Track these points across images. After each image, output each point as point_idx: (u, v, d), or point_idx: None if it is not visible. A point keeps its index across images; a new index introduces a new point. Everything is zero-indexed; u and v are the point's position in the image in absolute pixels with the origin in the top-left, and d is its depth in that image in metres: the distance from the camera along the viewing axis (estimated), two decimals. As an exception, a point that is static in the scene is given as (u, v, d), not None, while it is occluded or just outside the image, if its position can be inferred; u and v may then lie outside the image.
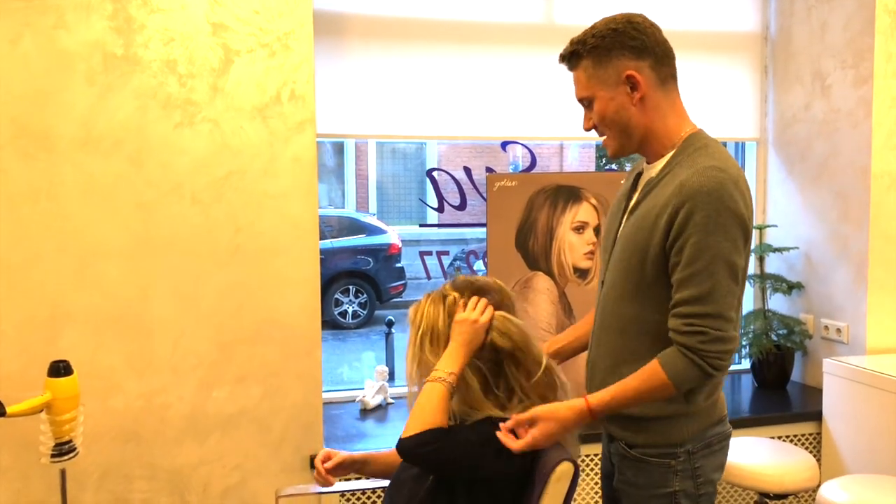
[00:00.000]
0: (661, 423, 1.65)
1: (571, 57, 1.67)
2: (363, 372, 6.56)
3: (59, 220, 2.52)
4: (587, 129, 1.72)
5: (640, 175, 1.74)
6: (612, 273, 1.69)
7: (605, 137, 1.70)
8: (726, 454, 1.76)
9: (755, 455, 2.64)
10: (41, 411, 2.17)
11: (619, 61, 1.62)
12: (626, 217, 1.70)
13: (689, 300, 1.52)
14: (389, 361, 6.15)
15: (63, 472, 2.27)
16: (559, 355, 1.90)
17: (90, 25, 2.50)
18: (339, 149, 14.29)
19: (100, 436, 2.58)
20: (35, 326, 2.52)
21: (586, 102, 1.68)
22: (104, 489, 2.61)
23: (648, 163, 1.71)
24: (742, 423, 3.04)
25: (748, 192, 1.59)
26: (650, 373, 1.57)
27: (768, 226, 3.58)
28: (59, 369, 2.18)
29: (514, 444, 1.58)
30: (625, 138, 1.68)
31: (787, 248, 3.45)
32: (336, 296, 8.63)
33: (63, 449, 2.20)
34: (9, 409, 2.11)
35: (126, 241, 2.57)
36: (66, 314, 2.54)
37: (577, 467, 1.66)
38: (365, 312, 8.46)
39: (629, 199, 1.73)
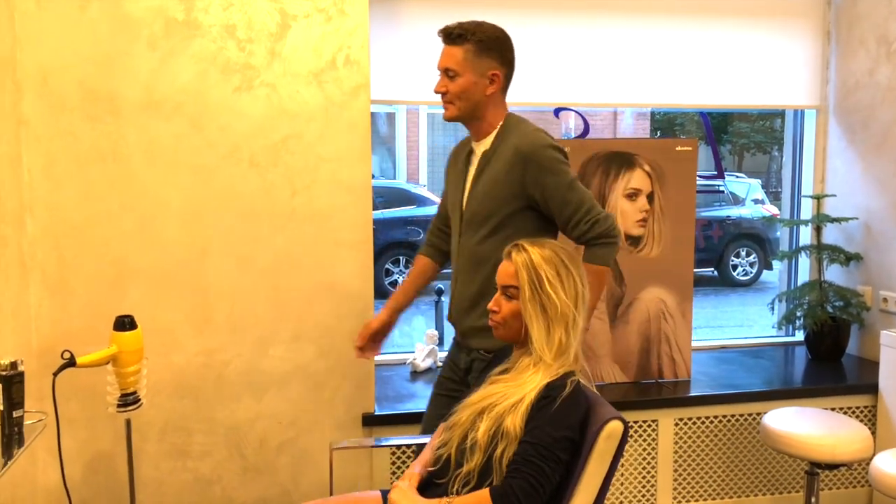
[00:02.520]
0: None
1: (456, 37, 2.10)
2: (414, 337, 6.63)
3: (123, 180, 2.60)
4: (438, 92, 2.16)
5: (470, 152, 2.22)
6: (470, 225, 2.16)
7: (451, 104, 2.15)
8: None
9: (807, 425, 2.62)
10: (108, 363, 2.27)
11: (490, 60, 2.12)
12: (472, 182, 2.17)
13: (573, 213, 2.08)
14: (439, 327, 6.22)
15: (128, 422, 2.37)
16: (401, 310, 2.41)
17: (153, -9, 2.56)
18: (390, 120, 14.32)
19: (161, 390, 2.68)
20: (101, 283, 2.62)
21: (451, 73, 2.12)
22: (165, 441, 2.71)
23: (476, 140, 2.20)
24: (795, 394, 3.02)
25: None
26: (593, 272, 2.02)
27: (826, 195, 3.51)
28: (124, 324, 2.27)
29: None
30: (465, 112, 2.15)
31: (846, 219, 3.38)
32: (387, 266, 8.70)
33: (128, 400, 2.30)
34: (78, 360, 2.20)
35: (186, 202, 2.65)
36: (130, 272, 2.63)
37: (626, 426, 1.68)
38: (414, 282, 8.50)
39: (466, 170, 2.21)
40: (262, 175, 2.68)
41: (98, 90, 2.56)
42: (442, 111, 2.21)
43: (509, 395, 1.71)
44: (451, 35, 2.12)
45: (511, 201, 2.11)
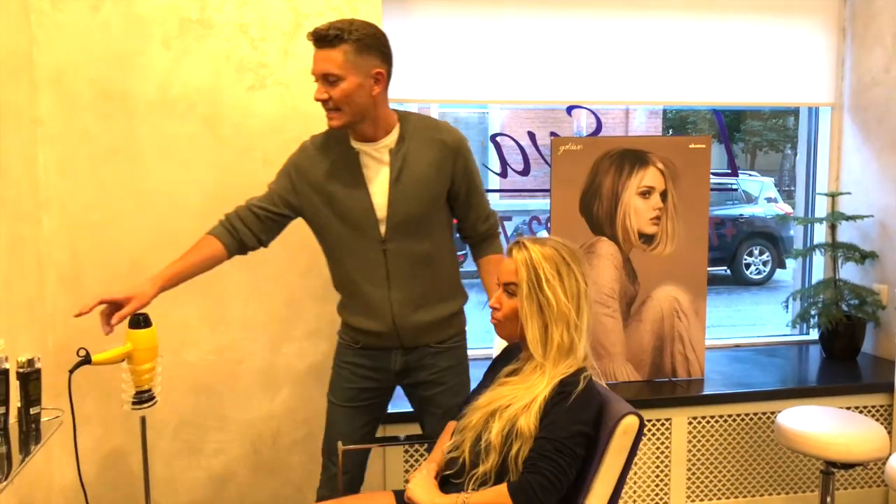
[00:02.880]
0: (458, 317, 2.26)
1: (332, 39, 1.91)
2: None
3: (137, 179, 2.62)
4: (319, 100, 1.98)
5: (356, 154, 2.07)
6: (401, 228, 2.07)
7: (337, 112, 1.98)
8: None
9: (822, 424, 2.60)
10: (123, 361, 2.28)
11: (372, 59, 1.97)
12: (392, 183, 2.05)
13: (483, 209, 2.22)
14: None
15: (143, 420, 2.38)
16: (171, 282, 2.13)
17: (166, -10, 2.57)
18: (401, 118, 14.28)
19: (176, 387, 2.70)
20: (116, 281, 2.63)
21: (332, 79, 1.94)
22: (180, 438, 2.72)
23: (366, 141, 2.06)
24: (809, 393, 3.00)
25: None
26: (497, 259, 2.17)
27: (841, 193, 3.48)
28: (139, 321, 2.27)
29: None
30: (355, 117, 2.00)
31: (861, 217, 3.36)
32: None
33: (143, 397, 2.30)
34: (94, 358, 2.21)
35: (200, 200, 2.66)
36: (145, 270, 2.63)
37: (642, 421, 1.68)
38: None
39: (362, 173, 2.07)
40: (276, 173, 2.68)
41: (112, 89, 2.58)
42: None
43: (520, 397, 1.70)
44: (326, 38, 1.92)
45: (441, 196, 2.13)
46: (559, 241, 1.81)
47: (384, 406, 2.36)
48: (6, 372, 1.95)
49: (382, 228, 2.08)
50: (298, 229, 2.70)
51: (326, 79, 1.95)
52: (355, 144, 2.09)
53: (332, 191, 2.10)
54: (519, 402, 1.69)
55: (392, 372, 2.24)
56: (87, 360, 2.21)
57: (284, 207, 2.19)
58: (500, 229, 2.30)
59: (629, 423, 1.65)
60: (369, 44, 1.96)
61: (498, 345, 3.09)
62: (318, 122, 2.66)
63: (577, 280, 1.75)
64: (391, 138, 2.07)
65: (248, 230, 2.18)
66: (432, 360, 2.23)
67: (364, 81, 1.96)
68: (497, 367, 1.99)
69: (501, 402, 1.72)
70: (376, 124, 2.05)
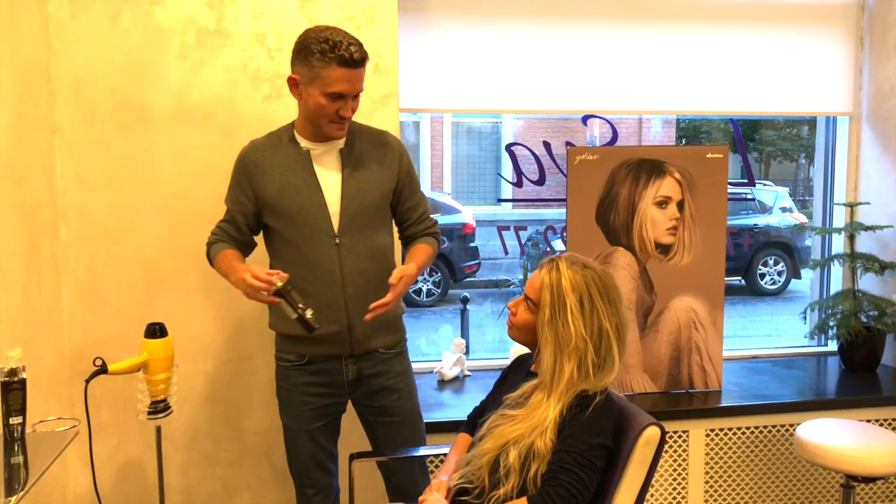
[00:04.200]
0: (401, 320, 2.32)
1: (365, 57, 2.03)
2: (440, 345, 6.62)
3: (154, 188, 2.62)
4: (347, 117, 2.07)
5: (304, 154, 2.12)
6: (354, 222, 2.11)
7: (347, 121, 2.10)
8: None
9: (843, 437, 2.57)
10: (139, 370, 2.28)
11: None
12: (344, 180, 2.12)
13: (423, 210, 2.28)
14: (465, 335, 6.21)
15: (158, 430, 2.38)
16: None
17: (184, 1, 2.59)
18: (415, 128, 14.37)
19: (191, 397, 2.69)
20: (133, 291, 2.64)
21: (356, 95, 2.07)
22: (195, 448, 2.72)
23: (321, 141, 2.12)
24: (828, 405, 2.96)
25: None
26: (431, 251, 2.26)
27: (860, 203, 3.45)
28: (155, 331, 2.29)
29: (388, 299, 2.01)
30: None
31: (881, 227, 3.32)
32: (413, 273, 8.68)
33: (158, 407, 2.31)
34: (110, 367, 2.22)
35: (217, 209, 2.64)
36: (161, 279, 2.65)
37: (664, 431, 1.66)
38: (439, 291, 8.51)
39: (313, 171, 2.12)
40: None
41: (130, 99, 2.59)
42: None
43: (531, 425, 1.67)
44: (363, 59, 2.02)
45: (389, 193, 2.20)
46: (597, 270, 1.74)
47: (339, 420, 2.33)
48: (23, 382, 1.95)
49: (335, 223, 2.11)
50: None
51: (356, 95, 2.07)
52: (306, 144, 2.14)
53: (282, 188, 2.11)
54: (522, 432, 1.66)
55: (345, 384, 2.21)
56: (103, 369, 2.22)
57: (238, 216, 2.21)
58: (436, 227, 2.33)
59: (651, 433, 1.63)
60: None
61: (514, 352, 3.08)
62: (334, 131, 2.68)
63: (602, 319, 1.69)
64: (342, 140, 2.16)
65: (235, 240, 2.24)
66: (386, 365, 2.24)
67: None
68: (508, 378, 1.98)
69: (513, 436, 1.68)
70: None
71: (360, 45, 2.01)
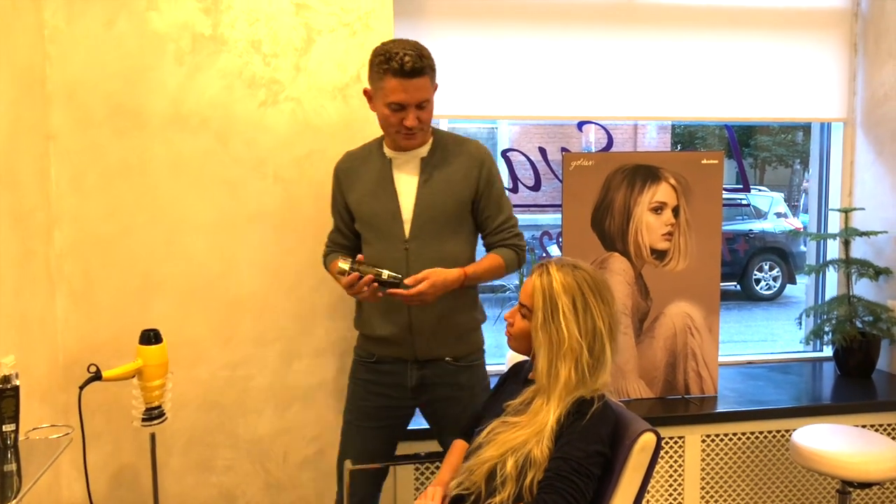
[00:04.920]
0: (476, 334, 2.31)
1: (422, 67, 2.07)
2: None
3: (149, 194, 2.62)
4: (413, 126, 2.11)
5: (389, 161, 2.22)
6: (424, 228, 2.16)
7: (421, 132, 2.15)
8: None
9: (839, 442, 2.57)
10: (133, 377, 2.28)
11: (434, 79, 2.16)
12: (420, 187, 2.18)
13: (502, 220, 2.27)
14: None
15: (153, 436, 2.38)
16: None
17: (180, 7, 2.58)
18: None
19: (186, 403, 2.68)
20: (127, 297, 2.63)
21: (424, 104, 2.11)
22: (189, 455, 2.71)
23: (406, 149, 2.20)
24: (824, 411, 2.96)
25: None
26: (496, 260, 2.24)
27: (855, 209, 3.46)
28: (150, 337, 2.28)
29: (407, 293, 2.03)
30: (428, 132, 2.22)
31: (875, 233, 3.33)
32: (406, 280, 8.67)
33: (153, 414, 2.30)
34: (104, 374, 2.21)
35: (212, 215, 2.66)
36: (156, 285, 2.64)
37: (659, 438, 1.66)
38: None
39: (392, 178, 2.21)
40: (287, 189, 2.69)
41: (125, 105, 2.58)
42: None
43: (530, 432, 1.67)
44: (422, 69, 2.07)
45: (466, 203, 2.22)
46: (588, 270, 1.75)
47: (403, 428, 2.35)
48: (17, 389, 1.94)
49: (407, 228, 2.18)
50: (308, 244, 2.71)
51: (420, 105, 2.10)
52: (389, 153, 2.24)
53: (362, 195, 2.24)
54: (526, 438, 1.66)
55: (407, 388, 2.25)
56: (97, 376, 2.21)
57: (342, 223, 2.37)
58: (522, 250, 2.32)
59: (647, 440, 1.63)
60: (435, 66, 2.14)
61: (510, 358, 3.08)
62: (329, 138, 2.69)
63: (595, 318, 1.70)
64: (425, 149, 2.22)
65: (348, 245, 2.38)
66: (451, 377, 2.25)
67: (433, 99, 2.17)
68: (506, 385, 1.97)
69: (512, 445, 1.67)
70: (427, 134, 2.23)
71: (418, 55, 2.06)
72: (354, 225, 2.30)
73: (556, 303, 1.70)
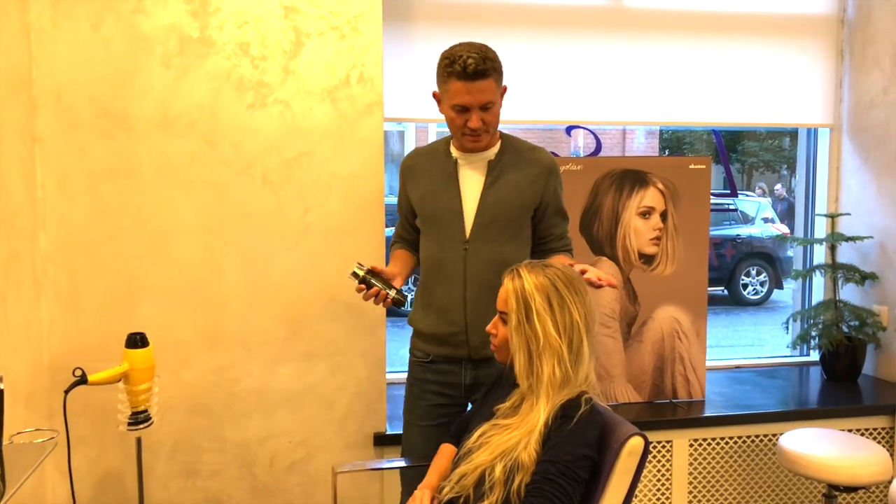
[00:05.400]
0: None
1: (486, 70, 2.06)
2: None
3: (135, 197, 2.60)
4: (477, 128, 2.11)
5: (454, 162, 2.22)
6: (486, 229, 2.17)
7: (486, 133, 2.15)
8: None
9: (825, 447, 2.58)
10: (119, 381, 2.26)
11: (501, 82, 2.14)
12: (485, 188, 2.19)
13: (562, 231, 2.29)
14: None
15: (139, 441, 2.36)
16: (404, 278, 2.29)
17: (167, 9, 2.57)
18: (400, 138, 14.36)
19: (172, 407, 2.67)
20: (113, 300, 2.61)
21: (489, 105, 2.10)
22: (176, 459, 2.69)
23: (468, 152, 2.21)
24: (811, 415, 2.98)
25: None
26: (570, 260, 2.18)
27: (841, 214, 3.49)
28: (136, 341, 2.26)
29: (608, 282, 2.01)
30: (495, 134, 2.21)
31: (861, 238, 3.35)
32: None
33: (139, 418, 2.28)
34: (90, 378, 2.19)
35: (199, 219, 2.64)
36: (143, 289, 2.63)
37: (647, 442, 1.66)
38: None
39: (457, 177, 2.21)
40: (275, 192, 2.68)
41: (112, 107, 2.57)
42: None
43: (519, 434, 1.67)
44: (484, 71, 2.06)
45: (529, 208, 2.22)
46: (558, 268, 1.76)
47: None
48: (1, 392, 1.91)
49: (468, 228, 2.19)
50: (296, 247, 2.70)
51: (484, 107, 2.10)
52: (456, 154, 2.24)
53: (425, 192, 2.25)
54: (519, 439, 1.66)
55: (462, 387, 2.26)
56: (83, 379, 2.19)
57: (405, 217, 2.39)
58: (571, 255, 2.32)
59: (635, 444, 1.63)
60: (501, 69, 2.12)
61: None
62: (317, 141, 2.68)
63: (572, 311, 1.70)
64: (492, 151, 2.22)
65: (409, 241, 2.41)
66: (491, 381, 2.21)
67: (500, 102, 2.16)
68: (494, 389, 1.97)
69: (503, 448, 1.67)
70: (493, 137, 2.22)
71: (482, 57, 2.05)
72: (416, 221, 2.32)
73: (530, 304, 1.70)
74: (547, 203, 2.24)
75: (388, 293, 2.08)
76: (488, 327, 1.86)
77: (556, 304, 1.70)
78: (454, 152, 2.25)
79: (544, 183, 2.22)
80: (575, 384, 1.70)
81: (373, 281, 2.08)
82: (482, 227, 2.18)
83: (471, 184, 2.21)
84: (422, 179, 2.28)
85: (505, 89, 2.16)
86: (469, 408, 2.25)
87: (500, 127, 2.24)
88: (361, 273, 2.08)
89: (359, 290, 2.10)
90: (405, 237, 2.41)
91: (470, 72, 2.04)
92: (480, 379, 2.23)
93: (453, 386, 2.25)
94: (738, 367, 3.59)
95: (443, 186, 2.23)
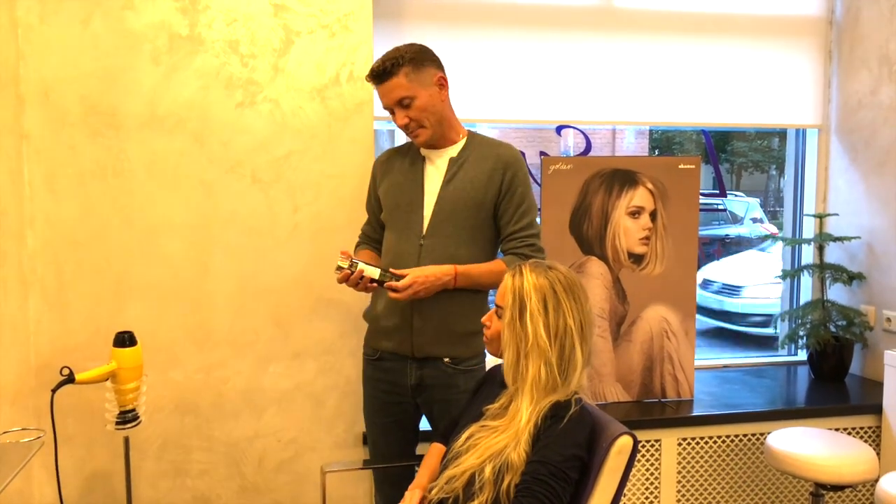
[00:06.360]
0: (476, 338, 2.23)
1: (390, 68, 2.10)
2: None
3: (124, 196, 2.59)
4: (402, 126, 2.17)
5: (422, 160, 2.26)
6: (441, 226, 2.18)
7: (421, 129, 2.18)
8: None
9: (812, 445, 2.59)
10: (107, 380, 2.25)
11: (429, 69, 2.17)
12: (443, 185, 2.20)
13: (520, 228, 2.21)
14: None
15: (126, 440, 2.35)
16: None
17: (157, 6, 2.56)
18: (390, 136, 14.34)
19: (161, 407, 2.65)
20: (101, 299, 2.60)
21: (406, 102, 2.13)
22: (164, 459, 2.68)
23: (434, 148, 2.24)
24: (798, 414, 2.99)
25: None
26: (498, 265, 2.19)
27: (829, 214, 3.50)
28: (124, 340, 2.25)
29: (398, 296, 2.08)
30: (437, 127, 2.20)
31: (849, 238, 3.37)
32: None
33: (127, 417, 2.27)
34: (77, 377, 2.18)
35: (188, 217, 2.63)
36: (131, 287, 2.61)
37: (636, 441, 1.66)
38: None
39: (422, 175, 2.24)
40: (265, 191, 2.67)
41: (100, 105, 2.55)
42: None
43: (510, 438, 1.66)
44: (386, 71, 2.12)
45: (487, 205, 2.21)
46: (561, 272, 1.74)
47: (414, 424, 2.37)
48: (-13, 391, 1.90)
49: (425, 223, 2.21)
50: (286, 246, 2.69)
51: (401, 104, 2.14)
52: (424, 151, 2.28)
53: (390, 186, 2.29)
54: (507, 443, 1.66)
55: (408, 387, 2.26)
56: (70, 378, 2.18)
57: (373, 215, 2.44)
58: (533, 252, 2.23)
59: (623, 443, 1.63)
60: (422, 58, 2.15)
61: (490, 360, 3.08)
62: (307, 139, 2.68)
63: (567, 317, 1.69)
64: (456, 148, 2.25)
65: (372, 240, 2.45)
66: (450, 379, 2.23)
67: (431, 91, 2.17)
68: (483, 389, 1.97)
69: (494, 449, 1.66)
70: (451, 132, 2.24)
71: (385, 58, 2.12)
72: (381, 215, 2.34)
73: (525, 302, 1.70)
74: (503, 197, 2.21)
75: (371, 277, 2.10)
76: (483, 318, 1.86)
77: (550, 308, 1.69)
78: (423, 150, 2.29)
79: (500, 177, 2.20)
80: (563, 390, 1.69)
81: (360, 264, 2.11)
82: (439, 222, 2.20)
83: (433, 180, 2.24)
84: (390, 174, 2.32)
85: (439, 79, 2.18)
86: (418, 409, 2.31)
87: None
88: (346, 264, 2.10)
89: (342, 276, 2.11)
90: (371, 235, 2.44)
91: (374, 76, 2.14)
92: (426, 380, 2.24)
93: (399, 386, 2.27)
94: (726, 366, 3.60)
95: (407, 181, 2.27)
